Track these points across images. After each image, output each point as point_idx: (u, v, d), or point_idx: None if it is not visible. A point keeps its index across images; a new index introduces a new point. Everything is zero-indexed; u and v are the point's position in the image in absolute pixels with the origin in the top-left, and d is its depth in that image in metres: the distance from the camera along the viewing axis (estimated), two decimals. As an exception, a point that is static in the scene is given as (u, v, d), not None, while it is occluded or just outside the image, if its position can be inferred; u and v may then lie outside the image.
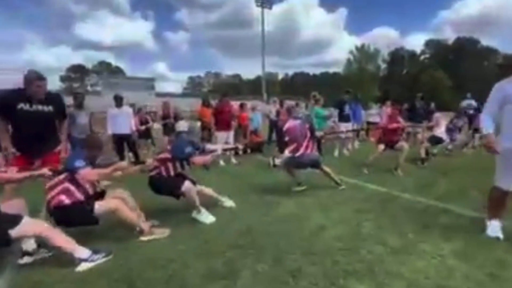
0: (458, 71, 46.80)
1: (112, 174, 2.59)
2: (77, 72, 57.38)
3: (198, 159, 3.10)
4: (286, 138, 3.88)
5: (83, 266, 2.10)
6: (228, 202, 3.43)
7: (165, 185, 2.99)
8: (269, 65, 72.81)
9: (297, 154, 3.78)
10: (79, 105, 4.42)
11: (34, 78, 2.68)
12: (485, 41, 52.93)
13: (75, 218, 2.36)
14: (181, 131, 3.30)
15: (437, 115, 6.48)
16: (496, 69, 50.08)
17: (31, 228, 1.99)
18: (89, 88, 54.34)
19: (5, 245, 1.93)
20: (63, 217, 2.35)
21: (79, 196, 2.42)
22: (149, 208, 3.02)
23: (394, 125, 4.95)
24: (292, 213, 3.13)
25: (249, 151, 7.62)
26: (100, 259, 2.19)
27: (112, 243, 2.49)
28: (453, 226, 2.70)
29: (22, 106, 2.70)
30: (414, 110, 7.39)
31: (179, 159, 3.05)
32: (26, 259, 2.21)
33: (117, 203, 2.47)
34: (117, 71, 56.99)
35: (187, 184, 2.94)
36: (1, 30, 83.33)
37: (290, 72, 72.41)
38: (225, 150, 4.69)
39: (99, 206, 2.40)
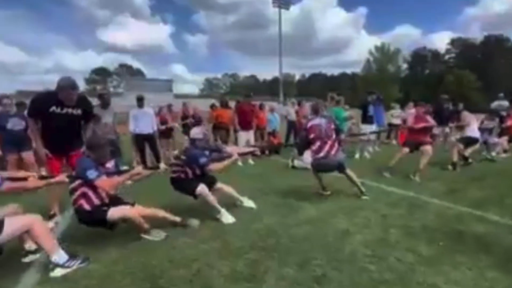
0: (487, 71, 44.37)
1: (126, 181, 2.63)
2: (100, 74, 59.86)
3: (214, 166, 3.11)
4: (310, 136, 3.70)
5: (56, 272, 2.01)
6: (248, 202, 3.41)
7: (182, 186, 3.11)
8: (286, 65, 72.29)
9: (321, 154, 3.58)
10: (105, 105, 4.55)
11: (68, 86, 2.85)
12: (516, 39, 49.79)
13: (93, 221, 2.46)
14: (195, 138, 3.24)
15: (465, 113, 6.04)
16: (529, 68, 47.08)
17: (16, 225, 1.93)
18: (111, 89, 56.46)
19: None
20: (84, 218, 2.47)
21: (96, 201, 2.45)
22: (173, 208, 3.04)
23: (421, 124, 4.65)
24: (313, 217, 3.04)
25: (266, 152, 7.58)
26: (76, 265, 2.08)
27: (132, 241, 2.51)
28: (491, 236, 2.51)
29: (54, 109, 2.86)
30: (440, 112, 7.04)
31: (196, 167, 3.09)
32: (30, 258, 2.23)
33: (133, 213, 2.47)
34: (138, 73, 58.95)
35: (200, 188, 2.97)
36: (32, 34, 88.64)
37: (307, 73, 71.72)
38: (241, 154, 4.60)
39: (112, 213, 2.39)
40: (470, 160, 5.41)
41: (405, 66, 52.82)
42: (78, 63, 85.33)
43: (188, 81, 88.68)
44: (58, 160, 3.00)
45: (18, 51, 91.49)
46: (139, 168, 2.79)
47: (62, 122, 2.90)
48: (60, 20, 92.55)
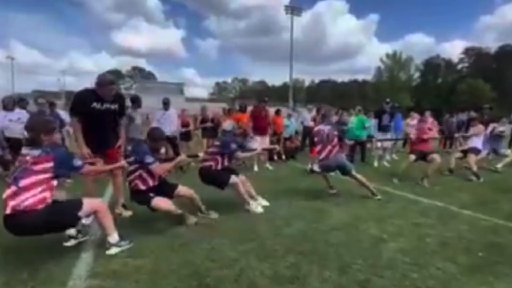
0: (502, 81, 43.54)
1: (175, 167, 2.95)
2: (113, 76, 61.11)
3: (243, 154, 3.57)
4: (315, 139, 4.15)
5: (112, 251, 2.30)
6: (263, 202, 3.57)
7: (213, 177, 3.35)
8: (296, 71, 72.89)
9: (321, 157, 4.01)
10: (138, 107, 4.71)
11: (108, 82, 2.99)
12: (532, 50, 48.75)
13: (142, 201, 2.80)
14: (227, 130, 3.63)
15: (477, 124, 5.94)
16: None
17: (91, 205, 2.25)
18: (123, 91, 57.61)
19: (74, 225, 2.29)
20: (137, 198, 2.83)
21: (150, 182, 2.82)
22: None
23: (425, 136, 4.96)
24: (345, 223, 3.05)
25: (283, 157, 7.61)
26: (126, 245, 2.38)
27: (173, 238, 2.62)
28: (530, 248, 2.48)
29: (95, 105, 2.97)
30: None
31: (227, 154, 3.39)
32: (71, 242, 2.48)
33: (170, 206, 2.80)
34: (149, 76, 60.02)
35: (233, 178, 3.27)
36: (48, 36, 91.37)
37: (317, 79, 71.65)
38: (264, 149, 5.06)
39: (157, 202, 2.73)
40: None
41: (417, 74, 52.31)
42: (92, 65, 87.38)
43: (198, 85, 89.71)
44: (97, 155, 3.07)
45: (35, 52, 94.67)
46: (182, 156, 3.21)
47: (102, 118, 3.03)
48: (75, 23, 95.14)
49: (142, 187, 2.79)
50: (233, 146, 3.39)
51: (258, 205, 3.35)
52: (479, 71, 46.89)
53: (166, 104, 5.63)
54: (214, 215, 3.16)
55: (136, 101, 4.81)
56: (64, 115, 5.39)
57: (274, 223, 3.01)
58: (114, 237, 2.33)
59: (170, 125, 5.59)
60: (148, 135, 2.98)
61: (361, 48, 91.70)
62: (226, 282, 1.95)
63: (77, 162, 2.29)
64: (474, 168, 5.16)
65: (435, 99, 43.24)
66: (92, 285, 1.92)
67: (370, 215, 3.29)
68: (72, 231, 2.48)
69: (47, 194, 2.04)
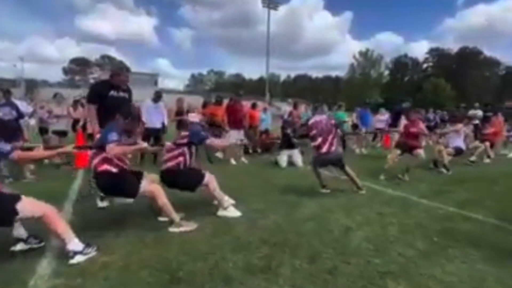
0: (461, 81, 47.09)
1: (133, 151, 2.75)
2: (80, 64, 57.29)
3: (216, 142, 3.32)
4: (311, 133, 3.90)
5: (78, 259, 2.05)
6: (230, 200, 3.31)
7: (184, 177, 2.98)
8: (272, 66, 72.55)
9: (322, 150, 3.81)
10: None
11: (123, 70, 3.37)
12: (488, 52, 53.36)
13: (120, 186, 2.54)
14: (194, 122, 3.41)
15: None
16: (498, 80, 50.57)
17: (34, 206, 1.98)
18: (91, 81, 54.22)
19: (9, 223, 1.98)
20: (109, 184, 2.54)
21: (121, 164, 2.58)
22: (172, 202, 3.07)
23: (415, 129, 4.95)
24: (317, 214, 3.18)
25: (259, 151, 7.70)
26: (92, 252, 2.14)
27: (146, 232, 2.57)
28: (478, 233, 2.76)
29: (113, 93, 3.23)
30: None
31: (197, 143, 3.09)
32: (20, 246, 2.22)
33: (158, 188, 2.58)
34: (120, 65, 56.99)
35: (208, 176, 2.99)
36: (3, 17, 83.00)
37: (292, 74, 72.57)
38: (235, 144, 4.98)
39: (144, 184, 2.54)
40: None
41: (386, 72, 54.94)
42: (54, 51, 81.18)
43: (173, 76, 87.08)
44: None
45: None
46: (145, 144, 2.91)
47: (118, 105, 3.12)
48: (35, 5, 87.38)
49: (114, 169, 2.53)
50: (203, 133, 3.17)
51: (233, 208, 3.09)
52: (442, 71, 50.37)
53: (157, 96, 5.89)
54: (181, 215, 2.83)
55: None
56: (23, 105, 5.00)
57: (249, 216, 3.05)
58: (75, 244, 2.06)
59: (159, 118, 5.81)
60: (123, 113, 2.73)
61: (336, 44, 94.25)
62: (199, 275, 1.97)
63: (6, 147, 2.05)
64: (446, 161, 5.44)
65: (403, 96, 45.71)
66: (56, 285, 1.83)
67: (340, 206, 3.45)
68: (22, 233, 2.21)
69: None
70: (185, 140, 3.06)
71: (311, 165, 4.09)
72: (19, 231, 2.22)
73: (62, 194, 3.65)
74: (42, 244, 2.29)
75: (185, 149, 3.02)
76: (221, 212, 3.04)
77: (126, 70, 3.38)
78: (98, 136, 2.93)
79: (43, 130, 5.99)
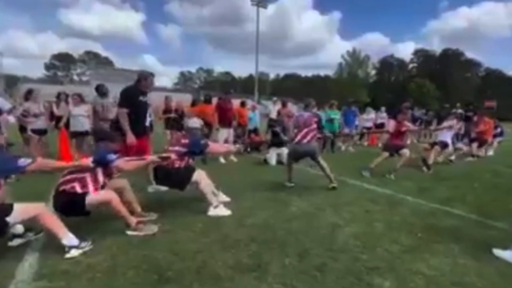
0: (444, 81, 48.64)
1: (144, 165, 2.72)
2: (63, 60, 55.42)
3: (215, 149, 3.38)
4: (295, 129, 4.11)
5: (73, 253, 2.09)
6: (224, 197, 3.43)
7: (174, 176, 3.04)
8: (261, 64, 73.08)
9: (295, 140, 4.04)
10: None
11: (150, 75, 3.53)
12: (469, 54, 55.36)
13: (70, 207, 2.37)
14: (193, 127, 3.36)
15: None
16: (479, 81, 52.57)
17: (26, 210, 2.02)
18: (75, 77, 52.65)
19: (2, 233, 2.01)
20: (64, 204, 2.36)
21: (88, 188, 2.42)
22: (159, 202, 3.05)
23: (403, 128, 5.09)
24: (305, 211, 3.21)
25: (248, 149, 7.69)
26: (87, 247, 2.19)
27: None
28: (460, 228, 2.86)
29: (141, 98, 3.48)
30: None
31: (198, 152, 3.19)
32: (16, 241, 2.26)
33: (112, 196, 2.42)
34: (106, 62, 55.52)
35: (197, 173, 3.03)
36: (-19, 10, 79.31)
37: (281, 73, 72.87)
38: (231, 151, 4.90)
39: (92, 197, 2.36)
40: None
41: (373, 72, 56.03)
42: (36, 46, 78.19)
43: (161, 74, 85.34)
44: (140, 143, 3.47)
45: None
46: (154, 157, 2.87)
47: (144, 109, 3.51)
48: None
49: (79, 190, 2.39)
50: (202, 142, 3.23)
51: (223, 206, 3.09)
52: (426, 71, 51.85)
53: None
54: (153, 216, 2.89)
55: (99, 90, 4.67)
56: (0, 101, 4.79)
57: (238, 214, 3.04)
58: (70, 239, 2.12)
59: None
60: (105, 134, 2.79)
61: (324, 44, 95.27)
62: (188, 274, 1.95)
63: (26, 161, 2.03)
64: (430, 161, 5.60)
65: (389, 96, 46.83)
66: (38, 288, 1.77)
67: (328, 203, 3.49)
68: (19, 229, 2.25)
69: None
70: (185, 149, 3.12)
71: (287, 157, 4.28)
72: (16, 227, 2.22)
73: (46, 194, 3.51)
74: (41, 234, 2.35)
75: (183, 155, 3.12)
76: (211, 212, 3.02)
77: (151, 74, 3.56)
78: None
79: (22, 129, 5.75)
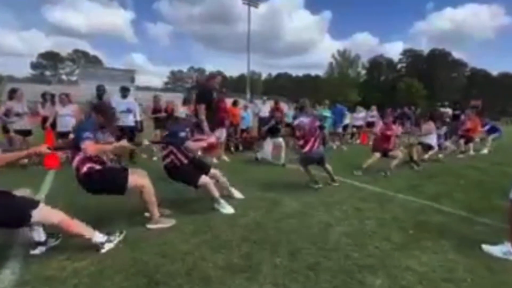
0: (432, 81, 49.67)
1: (111, 150, 2.58)
2: (50, 59, 53.97)
3: (193, 144, 3.18)
4: (297, 134, 4.12)
5: (107, 246, 2.18)
6: (237, 194, 3.57)
7: (181, 175, 3.07)
8: (253, 64, 72.84)
9: (305, 150, 4.01)
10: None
11: (218, 73, 4.12)
12: (455, 54, 56.65)
13: (107, 183, 2.43)
14: (179, 117, 3.37)
15: (430, 123, 6.65)
16: (464, 80, 53.93)
17: (49, 215, 1.99)
18: (63, 77, 51.44)
19: (25, 225, 1.97)
20: (96, 182, 2.41)
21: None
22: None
23: (388, 132, 5.19)
24: (297, 210, 3.20)
25: (240, 148, 7.65)
26: (117, 238, 2.29)
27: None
28: (448, 224, 2.91)
29: (214, 95, 4.09)
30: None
31: (179, 143, 3.06)
32: (39, 249, 2.15)
33: (147, 182, 2.56)
34: (95, 60, 54.39)
35: (203, 178, 3.02)
36: (-38, 7, 76.53)
37: (273, 72, 73.00)
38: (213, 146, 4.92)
39: (132, 179, 2.47)
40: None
41: (363, 72, 56.73)
42: (20, 44, 75.91)
43: (151, 73, 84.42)
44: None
45: None
46: (124, 141, 2.70)
47: (214, 105, 4.09)
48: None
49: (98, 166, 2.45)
50: (182, 134, 3.06)
51: (227, 205, 3.11)
52: (414, 71, 52.83)
53: (123, 92, 5.65)
54: (167, 212, 2.94)
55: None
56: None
57: (229, 214, 3.01)
58: (98, 236, 2.18)
59: (129, 115, 5.55)
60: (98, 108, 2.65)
61: (315, 43, 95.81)
62: (178, 277, 1.90)
63: None
64: (415, 156, 5.76)
65: (378, 95, 47.51)
66: (20, 295, 1.70)
67: (320, 202, 3.49)
68: (41, 236, 2.16)
69: None
70: (164, 140, 3.12)
71: (300, 165, 4.27)
72: (39, 234, 2.16)
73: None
74: (59, 240, 2.28)
75: (172, 147, 3.05)
76: (216, 206, 3.10)
77: (219, 73, 4.13)
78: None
79: (5, 129, 5.55)
